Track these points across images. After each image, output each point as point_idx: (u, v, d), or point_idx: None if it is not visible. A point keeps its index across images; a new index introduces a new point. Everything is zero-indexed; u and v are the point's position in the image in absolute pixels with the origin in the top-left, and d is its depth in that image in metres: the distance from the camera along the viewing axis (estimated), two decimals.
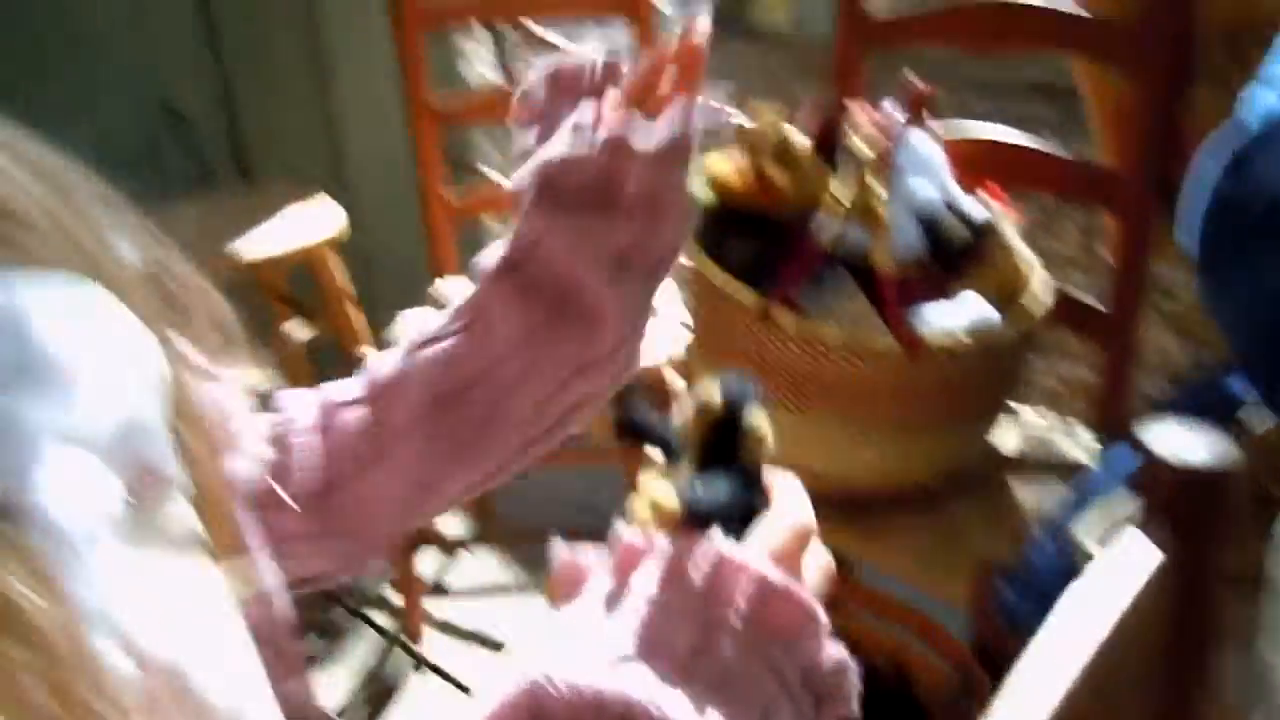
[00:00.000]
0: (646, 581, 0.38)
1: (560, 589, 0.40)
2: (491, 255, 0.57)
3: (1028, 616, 0.86)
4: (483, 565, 1.84)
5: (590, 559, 0.40)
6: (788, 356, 1.00)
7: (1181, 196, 0.82)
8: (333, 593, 1.77)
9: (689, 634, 0.36)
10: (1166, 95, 1.07)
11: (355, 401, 0.56)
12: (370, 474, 0.56)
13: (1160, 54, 1.06)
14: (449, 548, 1.86)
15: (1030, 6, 1.14)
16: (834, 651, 0.39)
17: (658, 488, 0.40)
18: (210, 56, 1.98)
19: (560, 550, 0.41)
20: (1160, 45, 1.05)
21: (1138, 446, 0.45)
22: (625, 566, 0.39)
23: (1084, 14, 1.11)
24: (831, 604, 0.39)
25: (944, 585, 1.04)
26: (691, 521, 0.39)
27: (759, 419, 0.43)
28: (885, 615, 1.19)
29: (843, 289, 1.00)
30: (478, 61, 4.12)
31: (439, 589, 1.79)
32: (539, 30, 2.13)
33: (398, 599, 1.71)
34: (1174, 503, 0.45)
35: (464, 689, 1.60)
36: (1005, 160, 1.18)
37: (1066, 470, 1.13)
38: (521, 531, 1.84)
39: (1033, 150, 1.19)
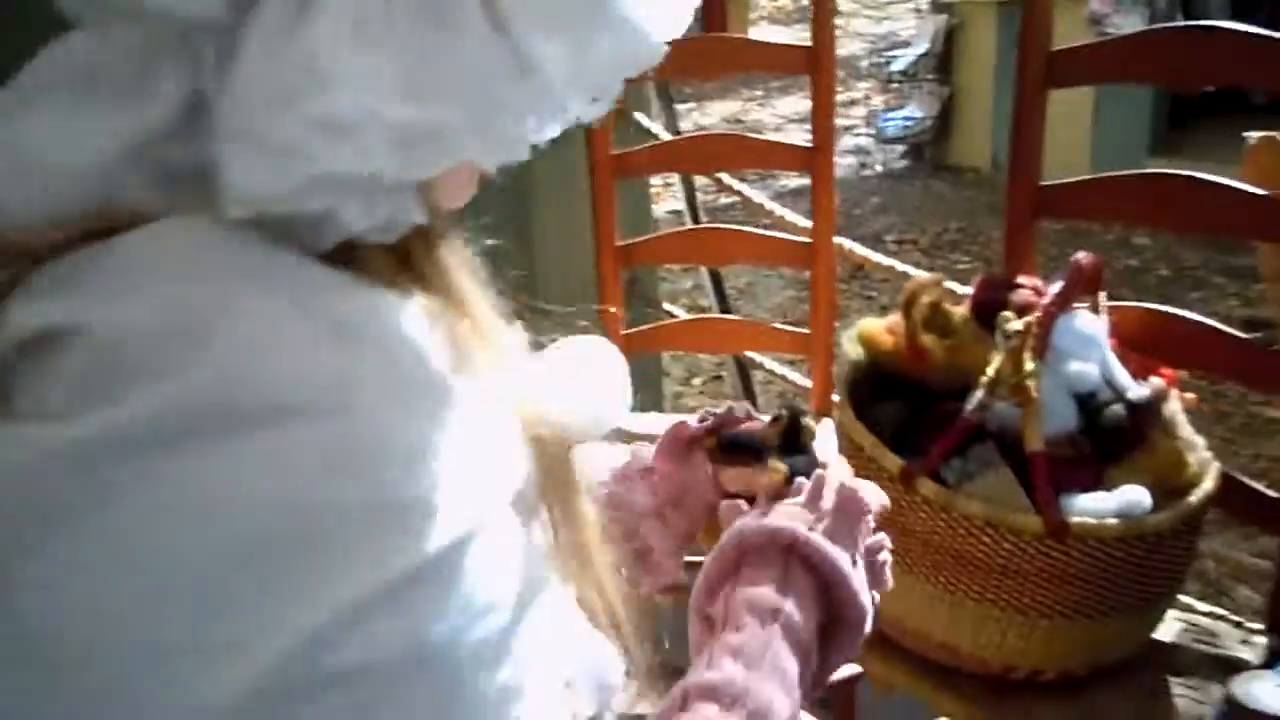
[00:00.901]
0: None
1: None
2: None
3: None
4: None
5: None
6: (929, 527, 0.99)
7: None
8: None
9: (809, 512, 0.63)
10: None
11: None
12: None
13: None
14: None
15: (1202, 183, 1.12)
16: (878, 535, 0.68)
17: (776, 465, 0.69)
18: None
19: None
20: None
21: (1228, 697, 0.45)
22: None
23: (1262, 193, 1.08)
24: None
25: None
26: (791, 478, 0.69)
27: (809, 421, 0.79)
28: None
29: (989, 464, 0.99)
30: (669, 199, 4.29)
31: None
32: (727, 179, 2.23)
33: None
34: None
35: None
36: (1178, 341, 1.15)
37: (1233, 670, 1.05)
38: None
39: (1209, 332, 1.15)
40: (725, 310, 2.56)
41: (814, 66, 1.58)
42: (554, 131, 0.48)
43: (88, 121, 0.41)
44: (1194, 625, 1.15)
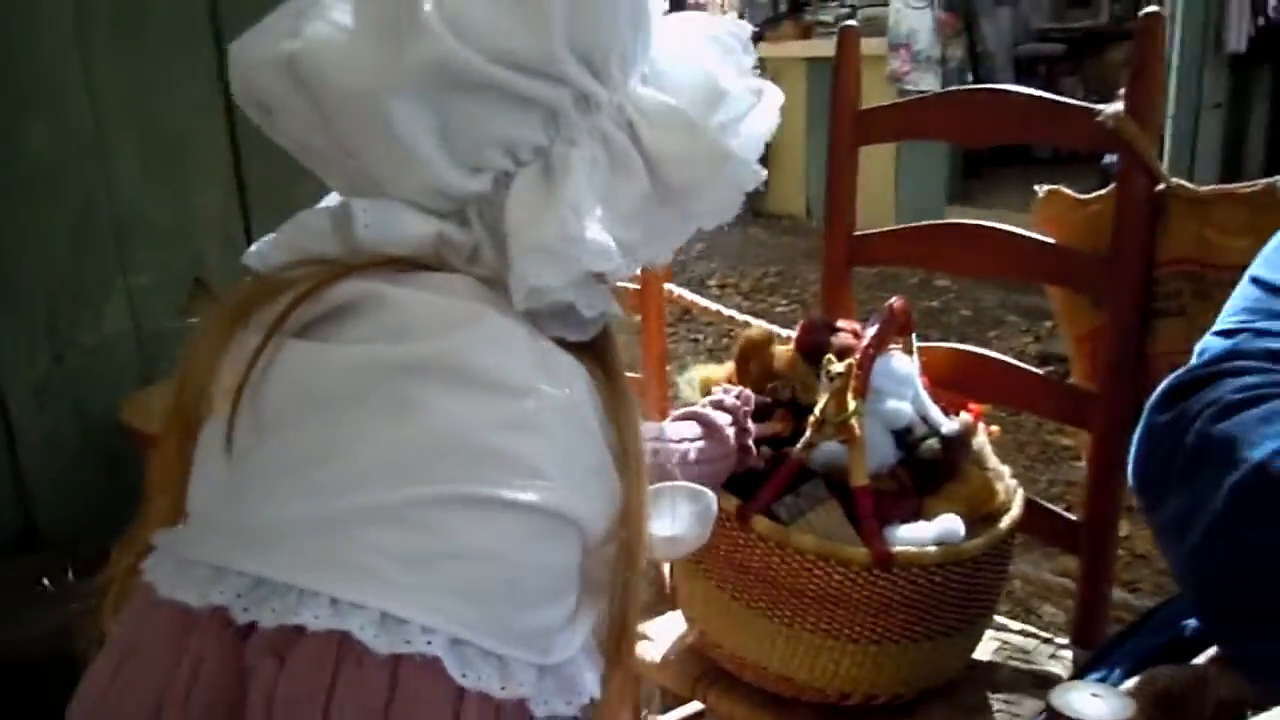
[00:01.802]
0: None
1: None
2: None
3: None
4: None
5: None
6: (765, 563, 1.03)
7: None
8: None
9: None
10: (1135, 323, 1.13)
11: None
12: None
13: (1128, 284, 1.12)
14: None
15: (1001, 232, 1.22)
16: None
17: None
18: (242, 235, 2.10)
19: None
20: (1128, 277, 1.12)
21: (1049, 707, 0.49)
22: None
23: (1051, 241, 1.19)
24: None
25: None
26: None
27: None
28: None
29: (819, 500, 1.04)
30: None
31: None
32: None
33: None
34: None
35: None
36: (982, 378, 1.24)
37: (1044, 684, 1.13)
38: None
39: (1009, 368, 1.24)
40: None
41: None
42: (686, 238, 0.73)
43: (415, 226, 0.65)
44: (1007, 644, 1.22)
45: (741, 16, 7.32)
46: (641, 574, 0.65)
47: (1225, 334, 0.77)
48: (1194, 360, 0.78)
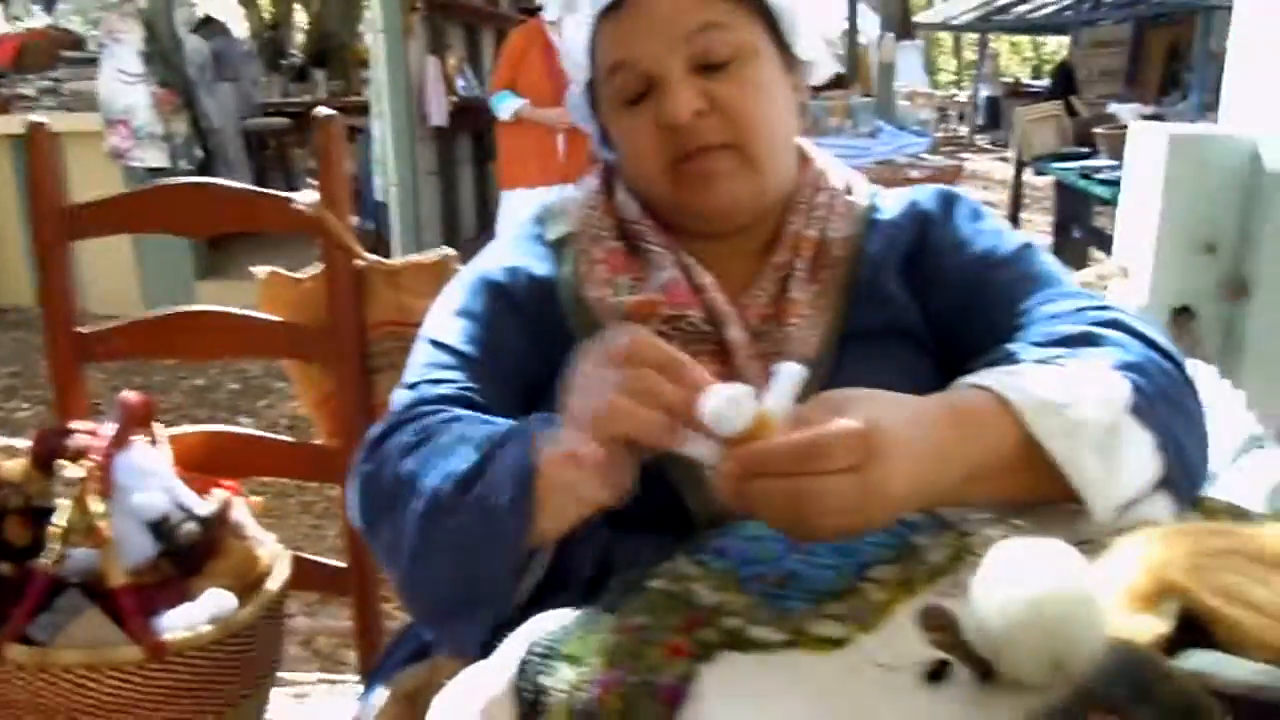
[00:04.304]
0: None
1: None
2: None
3: None
4: None
5: None
6: (31, 690, 0.97)
7: None
8: None
9: None
10: (359, 382, 1.28)
11: None
12: None
13: (348, 350, 1.27)
14: None
15: (232, 316, 1.29)
16: None
17: None
18: None
19: None
20: (346, 343, 1.27)
21: None
22: None
23: (279, 319, 1.29)
24: None
25: None
26: None
27: None
28: None
29: (77, 610, 1.01)
30: None
31: None
32: None
33: None
34: None
35: None
36: (236, 454, 1.30)
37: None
38: None
39: (261, 441, 1.32)
40: None
41: None
42: None
43: None
44: (303, 695, 1.30)
45: None
46: None
47: (410, 386, 0.93)
48: (391, 410, 0.93)
